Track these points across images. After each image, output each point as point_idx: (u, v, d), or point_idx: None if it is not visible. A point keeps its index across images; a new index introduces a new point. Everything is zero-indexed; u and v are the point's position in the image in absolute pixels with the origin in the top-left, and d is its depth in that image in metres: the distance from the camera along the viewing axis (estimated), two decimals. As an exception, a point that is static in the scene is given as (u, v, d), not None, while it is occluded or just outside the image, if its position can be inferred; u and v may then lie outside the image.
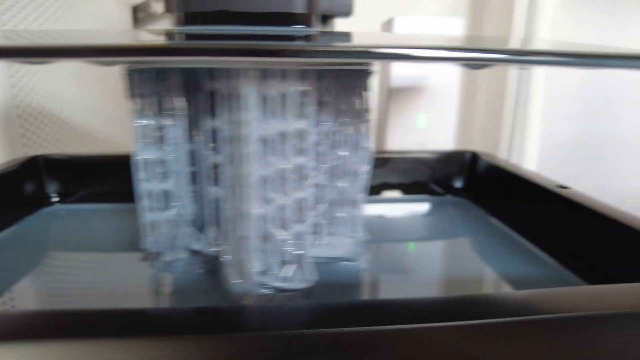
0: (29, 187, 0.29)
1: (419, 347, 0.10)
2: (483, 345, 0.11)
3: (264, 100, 0.14)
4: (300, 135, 0.15)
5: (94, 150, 0.44)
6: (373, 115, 0.20)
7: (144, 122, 0.16)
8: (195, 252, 0.19)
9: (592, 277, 0.20)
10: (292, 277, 0.15)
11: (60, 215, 0.29)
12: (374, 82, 0.20)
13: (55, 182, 0.30)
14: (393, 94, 0.34)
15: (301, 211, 0.16)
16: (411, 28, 0.32)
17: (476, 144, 0.60)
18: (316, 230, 0.18)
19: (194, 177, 0.19)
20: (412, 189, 0.32)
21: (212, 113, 0.16)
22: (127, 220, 0.26)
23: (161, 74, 0.17)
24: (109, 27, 0.49)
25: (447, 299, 0.12)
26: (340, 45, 0.12)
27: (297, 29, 0.18)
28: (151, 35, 0.19)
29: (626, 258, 0.18)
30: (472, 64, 0.14)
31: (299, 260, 0.16)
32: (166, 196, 0.18)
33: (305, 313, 0.11)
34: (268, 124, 0.14)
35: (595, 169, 0.62)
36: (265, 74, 0.13)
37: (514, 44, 0.20)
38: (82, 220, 0.28)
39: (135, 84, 0.16)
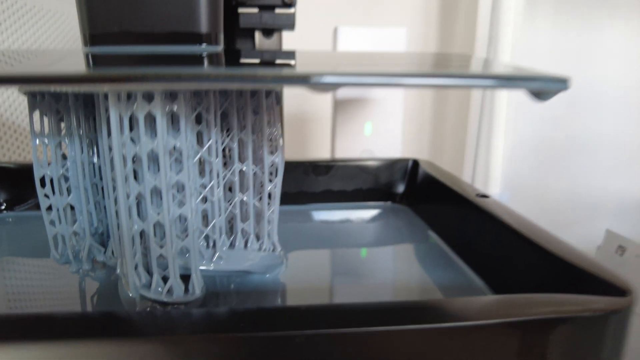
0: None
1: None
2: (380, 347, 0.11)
3: (132, 119, 0.14)
4: (179, 152, 0.15)
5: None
6: (279, 130, 0.20)
7: (39, 140, 0.17)
8: (101, 263, 0.19)
9: (496, 283, 0.20)
10: (175, 291, 0.16)
11: (8, 222, 0.30)
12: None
13: (4, 190, 0.31)
14: (340, 104, 0.34)
15: (185, 227, 0.16)
16: (355, 38, 0.32)
17: (446, 148, 0.60)
18: (212, 245, 0.19)
19: (102, 191, 0.19)
20: (354, 196, 0.32)
21: (100, 130, 0.17)
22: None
23: (59, 95, 0.17)
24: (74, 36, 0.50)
25: (344, 305, 0.12)
26: (188, 71, 0.13)
27: (201, 48, 0.19)
28: (52, 57, 0.19)
29: (525, 266, 0.19)
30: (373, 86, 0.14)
31: (182, 274, 0.16)
32: (71, 210, 0.18)
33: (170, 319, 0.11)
34: (137, 143, 0.14)
35: (564, 170, 0.62)
36: (130, 95, 0.14)
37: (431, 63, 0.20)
38: (28, 227, 0.28)
39: (32, 103, 0.17)
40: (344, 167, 0.32)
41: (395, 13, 0.55)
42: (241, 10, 0.28)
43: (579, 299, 0.12)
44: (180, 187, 0.16)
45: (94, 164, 0.19)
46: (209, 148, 0.17)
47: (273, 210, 0.21)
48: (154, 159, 0.15)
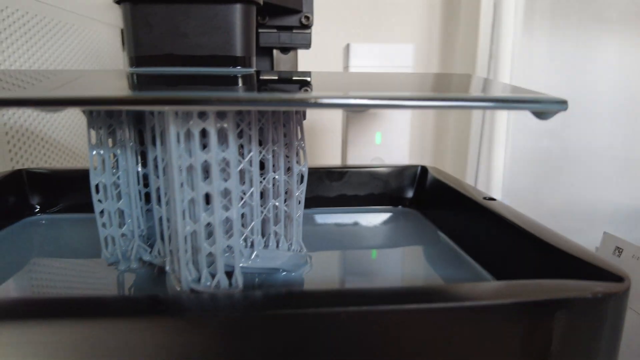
0: (12, 198, 0.32)
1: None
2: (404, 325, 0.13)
3: (188, 135, 0.16)
4: (226, 163, 0.18)
5: (74, 165, 0.47)
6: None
7: (95, 151, 0.19)
8: (147, 263, 0.22)
9: (505, 278, 0.22)
10: (221, 284, 0.18)
11: (42, 224, 0.32)
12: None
13: (37, 194, 0.33)
14: (352, 116, 0.37)
15: (230, 228, 0.18)
16: (365, 53, 0.35)
17: (448, 159, 0.63)
18: (250, 245, 0.21)
19: (148, 198, 0.21)
20: (366, 200, 0.34)
21: (154, 143, 0.19)
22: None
23: (112, 111, 0.19)
24: (99, 50, 0.52)
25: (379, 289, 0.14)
26: (249, 96, 0.15)
27: (236, 70, 0.21)
28: (117, 77, 0.21)
29: (532, 261, 0.21)
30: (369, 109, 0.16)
31: (230, 269, 0.18)
32: (121, 214, 0.21)
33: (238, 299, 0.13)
34: (193, 155, 0.16)
35: (561, 180, 0.64)
36: (188, 114, 0.16)
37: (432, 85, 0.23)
38: (61, 228, 0.30)
39: (90, 119, 0.19)
40: (357, 173, 0.35)
41: (402, 30, 0.57)
42: (261, 30, 0.31)
43: (582, 284, 0.14)
44: (227, 193, 0.18)
45: (138, 173, 0.21)
46: (250, 159, 0.19)
47: (299, 214, 0.23)
48: (205, 168, 0.17)
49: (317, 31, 0.35)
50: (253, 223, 0.20)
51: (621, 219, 0.66)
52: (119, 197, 0.20)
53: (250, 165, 0.19)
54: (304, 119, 0.23)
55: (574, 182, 0.66)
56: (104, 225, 0.20)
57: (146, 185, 0.21)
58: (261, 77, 0.22)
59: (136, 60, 0.21)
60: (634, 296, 0.37)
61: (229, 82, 0.20)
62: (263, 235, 0.22)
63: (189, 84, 0.20)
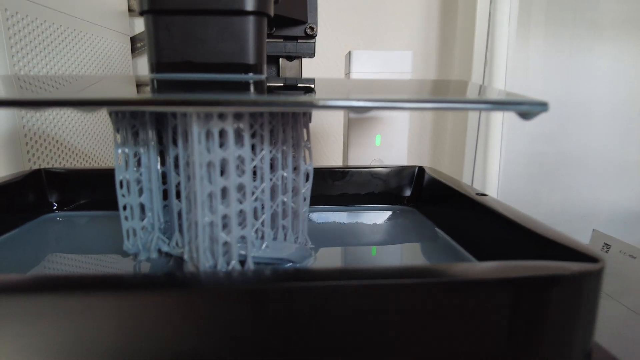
0: (32, 196, 0.34)
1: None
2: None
3: (208, 134, 0.18)
4: (241, 160, 0.20)
5: (86, 165, 0.49)
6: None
7: (120, 150, 0.21)
8: (165, 253, 0.23)
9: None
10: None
11: (58, 220, 0.33)
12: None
13: (55, 192, 0.35)
14: (353, 120, 0.38)
15: (244, 220, 0.20)
16: (366, 60, 0.37)
17: (445, 161, 0.64)
18: (261, 236, 0.23)
19: (165, 193, 0.23)
20: (367, 199, 0.36)
21: (175, 143, 0.21)
22: (113, 225, 0.30)
23: (136, 113, 0.21)
24: (110, 57, 0.54)
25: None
26: (264, 98, 0.17)
27: (248, 77, 0.23)
28: (129, 82, 0.23)
29: (521, 249, 0.22)
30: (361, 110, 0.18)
31: (242, 259, 0.20)
32: (141, 208, 0.22)
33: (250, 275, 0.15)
34: (212, 152, 0.18)
35: (556, 183, 0.66)
36: (208, 115, 0.18)
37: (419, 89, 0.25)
38: (77, 225, 0.32)
39: (116, 120, 0.21)
40: (358, 173, 0.36)
41: (401, 38, 0.59)
42: (268, 40, 0.33)
43: (562, 264, 0.16)
44: (241, 188, 0.20)
45: (158, 170, 0.23)
46: (262, 157, 0.21)
47: (305, 210, 0.25)
48: (222, 165, 0.19)
49: (320, 39, 0.37)
50: (264, 216, 0.22)
51: (616, 219, 0.68)
52: (141, 192, 0.22)
53: (262, 163, 0.21)
54: (310, 121, 0.25)
55: (569, 184, 0.68)
56: (126, 218, 0.22)
57: (164, 182, 0.23)
58: (271, 83, 0.24)
59: (157, 66, 0.23)
60: (623, 291, 0.39)
61: (242, 87, 0.22)
62: (272, 228, 0.23)
63: (206, 89, 0.22)
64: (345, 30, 0.58)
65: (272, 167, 0.22)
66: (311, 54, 0.34)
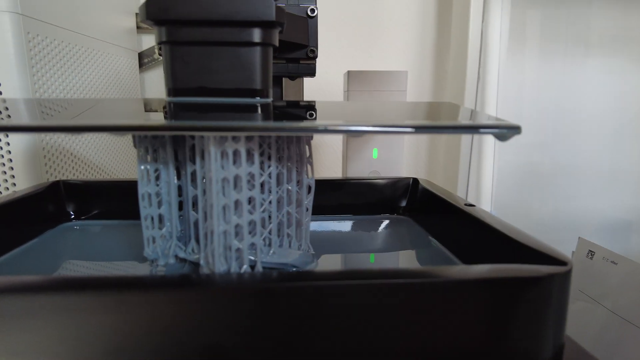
0: (51, 206, 0.36)
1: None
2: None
3: (222, 153, 0.21)
4: (252, 176, 0.22)
5: (100, 177, 0.51)
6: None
7: (143, 166, 0.24)
8: (181, 259, 0.26)
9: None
10: (246, 275, 0.22)
11: (76, 229, 0.36)
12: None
13: (72, 202, 0.38)
14: (351, 135, 0.41)
15: (254, 229, 0.23)
16: (364, 79, 0.39)
17: (439, 172, 0.67)
18: (268, 244, 0.25)
19: (181, 205, 0.26)
20: (364, 209, 0.39)
21: (192, 160, 0.23)
22: (128, 233, 0.33)
23: (156, 135, 0.24)
24: (120, 72, 0.57)
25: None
26: (274, 124, 0.20)
27: (255, 100, 0.25)
28: (152, 105, 0.26)
29: (504, 254, 0.25)
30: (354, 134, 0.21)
31: (252, 264, 0.23)
32: (160, 218, 0.25)
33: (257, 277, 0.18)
34: (226, 169, 0.21)
35: (548, 192, 0.69)
36: (224, 137, 0.20)
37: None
38: (92, 233, 0.35)
39: (138, 139, 0.24)
40: (356, 184, 0.39)
41: (397, 58, 0.62)
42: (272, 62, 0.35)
43: (535, 267, 0.19)
44: (251, 201, 0.22)
45: (175, 184, 0.25)
46: (269, 173, 0.23)
47: (308, 219, 0.27)
48: (235, 180, 0.21)
49: (319, 59, 0.40)
50: (271, 225, 0.24)
51: (604, 228, 0.70)
52: (160, 204, 0.25)
53: (270, 178, 0.24)
54: (312, 138, 0.27)
55: (560, 193, 0.71)
56: (147, 227, 0.25)
57: (180, 194, 0.26)
58: (276, 106, 0.27)
59: (174, 91, 0.26)
60: (605, 294, 0.41)
61: (250, 110, 0.25)
62: (278, 236, 0.26)
63: (219, 112, 0.24)
64: (343, 50, 0.61)
65: (278, 181, 0.25)
66: (312, 74, 0.37)
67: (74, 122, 0.19)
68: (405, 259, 0.32)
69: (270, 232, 0.25)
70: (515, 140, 0.69)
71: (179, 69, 0.25)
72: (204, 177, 0.22)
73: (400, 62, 0.63)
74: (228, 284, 0.17)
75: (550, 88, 0.67)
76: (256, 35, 0.24)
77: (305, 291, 0.17)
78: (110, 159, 0.55)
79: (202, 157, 0.22)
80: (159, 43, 0.25)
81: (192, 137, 0.23)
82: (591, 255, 0.42)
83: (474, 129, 0.19)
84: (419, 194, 0.38)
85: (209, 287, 0.17)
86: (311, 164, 0.27)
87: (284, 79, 0.38)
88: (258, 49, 0.25)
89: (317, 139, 0.64)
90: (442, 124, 0.19)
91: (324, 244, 0.33)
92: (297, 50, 0.35)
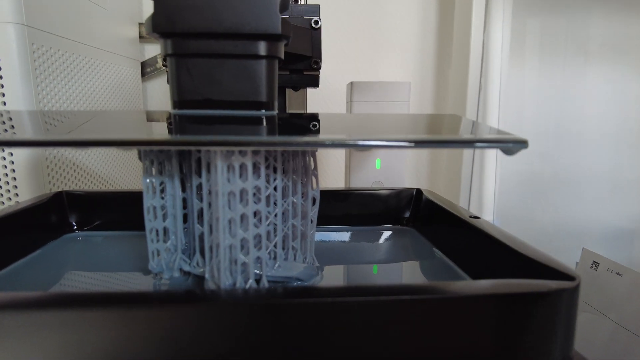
0: (54, 217, 0.36)
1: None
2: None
3: (229, 167, 0.21)
4: (258, 189, 0.22)
5: (102, 188, 0.51)
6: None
7: (149, 179, 0.23)
8: (186, 272, 0.26)
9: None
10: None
11: (78, 240, 0.36)
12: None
13: (75, 213, 0.37)
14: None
15: (259, 242, 0.23)
16: (367, 90, 0.39)
17: (442, 182, 0.67)
18: (273, 257, 0.25)
19: (186, 218, 0.26)
20: (368, 219, 0.39)
21: (198, 173, 0.23)
22: (131, 245, 0.33)
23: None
24: (123, 82, 0.57)
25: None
26: (277, 139, 0.19)
27: (260, 113, 0.25)
28: (156, 118, 0.26)
29: (510, 268, 0.25)
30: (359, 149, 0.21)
31: (257, 277, 0.22)
32: (165, 231, 0.25)
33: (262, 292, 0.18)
34: (232, 183, 0.21)
35: (550, 202, 0.69)
36: (230, 151, 0.20)
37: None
38: (95, 244, 0.35)
39: (143, 152, 0.24)
40: (360, 195, 0.39)
41: (399, 68, 0.63)
42: (277, 74, 0.35)
43: (543, 282, 0.19)
44: (258, 214, 0.22)
45: (181, 197, 0.25)
46: (275, 186, 0.23)
47: (313, 232, 0.27)
48: (242, 193, 0.21)
49: (322, 70, 0.40)
50: (276, 239, 0.24)
51: (607, 237, 0.70)
52: (165, 217, 0.24)
53: (275, 190, 0.23)
54: (316, 151, 0.27)
55: (562, 202, 0.71)
56: (152, 240, 0.25)
57: (184, 207, 0.26)
58: (281, 118, 0.27)
59: (179, 103, 0.26)
60: (610, 306, 0.41)
61: (256, 122, 0.25)
62: (283, 249, 0.26)
63: (225, 124, 0.24)
64: (346, 61, 0.61)
65: (284, 193, 0.25)
66: (315, 85, 0.37)
67: (81, 136, 0.19)
68: (410, 271, 0.32)
69: (275, 246, 0.24)
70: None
71: (184, 81, 0.25)
72: (209, 190, 0.22)
73: (402, 73, 0.63)
74: (236, 299, 0.17)
75: (551, 97, 0.67)
76: (262, 48, 0.24)
77: (313, 307, 0.17)
78: (112, 169, 0.55)
79: (208, 170, 0.22)
80: (165, 55, 0.26)
81: (198, 150, 0.23)
82: (595, 266, 0.42)
83: (480, 143, 0.19)
84: (423, 205, 0.38)
85: (214, 303, 0.17)
86: (316, 176, 0.27)
87: (287, 89, 0.38)
88: (264, 61, 0.25)
89: (321, 150, 0.64)
90: (448, 138, 0.19)
91: (328, 255, 0.33)
92: (301, 61, 0.35)
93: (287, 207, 0.25)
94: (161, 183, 0.24)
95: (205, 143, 0.18)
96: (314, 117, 0.28)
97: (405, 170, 0.43)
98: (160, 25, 0.24)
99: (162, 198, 0.24)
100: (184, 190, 0.25)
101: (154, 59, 0.65)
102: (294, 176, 0.25)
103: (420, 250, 0.34)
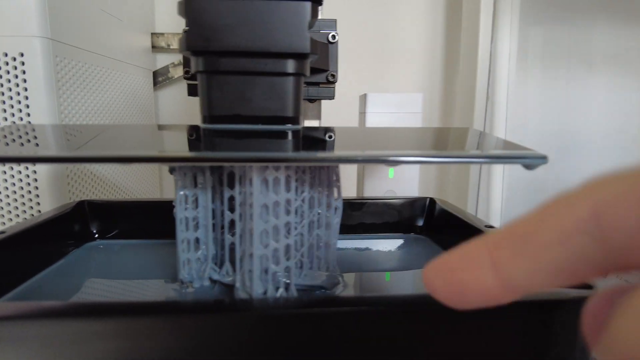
0: (77, 226, 0.37)
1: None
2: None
3: (263, 181, 0.22)
4: (288, 202, 0.23)
5: (120, 198, 0.52)
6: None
7: (182, 192, 0.25)
8: (215, 281, 0.27)
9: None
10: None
11: (100, 248, 0.37)
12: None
13: (97, 222, 0.38)
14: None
15: (289, 252, 0.24)
16: (381, 102, 0.41)
17: (450, 190, 0.68)
18: (300, 266, 0.26)
19: (216, 228, 0.27)
20: (382, 228, 0.40)
21: (229, 186, 0.24)
22: (152, 252, 0.34)
23: (195, 159, 0.25)
24: (136, 91, 0.58)
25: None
26: (307, 155, 0.21)
27: (287, 127, 0.26)
28: (183, 133, 0.27)
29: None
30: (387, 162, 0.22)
31: (287, 286, 0.23)
32: (196, 242, 0.26)
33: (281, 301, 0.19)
34: (266, 195, 0.22)
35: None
36: (264, 165, 0.21)
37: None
38: (116, 252, 0.36)
39: (179, 167, 0.25)
40: (374, 204, 0.40)
41: (407, 81, 0.64)
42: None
43: (562, 290, 0.20)
44: (287, 225, 0.23)
45: (215, 209, 0.26)
46: (303, 198, 0.24)
47: (335, 241, 0.28)
48: (274, 206, 0.22)
49: (339, 82, 0.41)
50: (303, 248, 0.25)
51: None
52: (196, 227, 0.26)
53: (303, 202, 0.25)
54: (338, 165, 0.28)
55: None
56: (183, 250, 0.25)
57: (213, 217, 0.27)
58: (306, 133, 0.28)
59: (209, 118, 0.27)
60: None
61: (284, 137, 0.26)
62: (308, 257, 0.27)
63: (254, 139, 0.25)
64: (358, 73, 0.63)
65: (310, 205, 0.26)
66: (331, 97, 0.38)
67: (119, 153, 0.20)
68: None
69: (302, 255, 0.25)
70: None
71: (215, 97, 0.26)
72: (241, 202, 0.23)
73: (411, 83, 0.65)
74: (267, 308, 0.18)
75: (555, 106, 0.68)
76: (291, 66, 0.25)
77: (336, 317, 0.18)
78: (129, 180, 0.56)
79: (241, 183, 0.23)
80: (196, 72, 0.27)
81: (232, 165, 0.24)
82: (603, 273, 0.43)
83: (503, 159, 0.20)
84: (436, 214, 0.39)
85: (249, 312, 0.18)
86: (339, 188, 0.28)
87: (303, 101, 0.39)
88: (292, 78, 0.26)
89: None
90: (472, 154, 0.20)
91: (345, 262, 0.34)
92: (317, 74, 0.36)
93: (313, 217, 0.26)
94: (193, 195, 0.25)
95: (244, 160, 0.19)
96: (334, 131, 0.29)
97: (416, 178, 0.44)
98: (194, 44, 0.25)
99: (195, 210, 0.25)
100: (213, 201, 0.26)
101: (166, 68, 0.67)
102: (320, 188, 0.26)
103: (433, 258, 0.35)
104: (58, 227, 0.35)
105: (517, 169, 0.69)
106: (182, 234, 0.25)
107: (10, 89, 0.38)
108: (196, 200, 0.25)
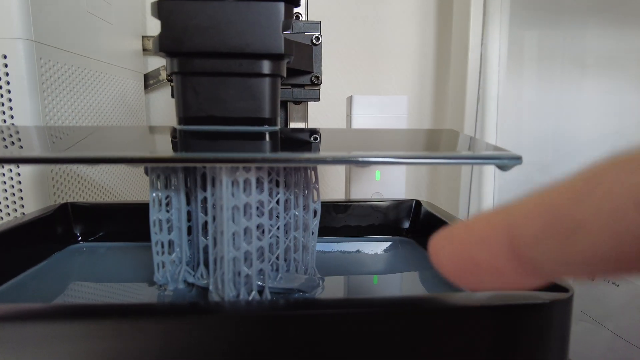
0: (59, 228, 0.37)
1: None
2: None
3: (234, 182, 0.21)
4: (261, 203, 0.23)
5: (106, 200, 0.52)
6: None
7: (155, 193, 0.24)
8: (190, 284, 0.26)
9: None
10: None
11: (83, 251, 0.36)
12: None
13: (80, 224, 0.38)
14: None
15: (262, 254, 0.23)
16: (366, 104, 0.40)
17: (441, 193, 0.68)
18: (276, 269, 0.26)
19: (189, 230, 0.26)
20: (368, 230, 0.39)
21: (203, 187, 0.24)
22: (135, 255, 0.33)
23: (169, 161, 0.25)
24: (126, 94, 0.58)
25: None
26: (276, 156, 0.20)
27: (263, 128, 0.26)
28: (162, 135, 0.27)
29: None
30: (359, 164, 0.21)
31: (259, 289, 0.23)
32: (170, 244, 0.25)
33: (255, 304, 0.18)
34: (237, 197, 0.21)
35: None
36: (234, 167, 0.21)
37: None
38: (100, 255, 0.35)
39: (152, 169, 0.24)
40: (359, 206, 0.39)
41: (398, 83, 0.64)
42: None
43: (537, 293, 0.19)
44: (261, 227, 0.23)
45: (189, 211, 0.26)
46: (277, 199, 0.24)
47: (314, 244, 0.28)
48: (245, 207, 0.22)
49: (323, 84, 0.41)
50: (278, 251, 0.25)
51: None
52: (170, 230, 0.25)
53: (278, 204, 0.24)
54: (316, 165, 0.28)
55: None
56: (157, 253, 0.25)
57: (188, 219, 0.26)
58: (283, 134, 0.27)
59: (184, 119, 0.26)
60: (607, 316, 0.42)
61: (259, 138, 0.25)
62: (285, 260, 0.26)
63: (229, 140, 0.25)
64: (346, 75, 0.63)
65: (286, 207, 0.26)
66: (316, 99, 0.38)
67: (89, 154, 0.20)
68: (410, 282, 0.32)
69: (277, 258, 0.25)
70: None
71: (190, 98, 0.26)
72: (214, 204, 0.23)
73: (401, 86, 0.65)
74: (240, 311, 0.18)
75: (548, 108, 0.68)
76: (266, 67, 0.25)
77: (316, 319, 0.18)
78: (115, 181, 0.56)
79: (213, 185, 0.23)
80: (171, 73, 0.26)
81: (204, 166, 0.24)
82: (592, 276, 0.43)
83: (477, 159, 0.20)
84: (422, 216, 0.39)
85: (218, 315, 0.17)
86: (317, 190, 0.27)
87: (288, 103, 0.39)
88: (267, 79, 0.26)
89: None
90: (446, 155, 0.20)
91: (328, 265, 0.34)
92: (302, 76, 0.36)
93: (289, 220, 0.26)
94: (167, 197, 0.25)
95: (212, 160, 0.19)
96: (315, 132, 0.29)
97: (405, 181, 0.44)
98: (167, 45, 0.24)
99: (168, 211, 0.25)
100: (188, 203, 0.26)
101: (157, 71, 0.67)
102: (296, 190, 0.26)
103: (419, 260, 0.35)
104: (40, 229, 0.35)
105: (511, 171, 0.69)
106: (156, 236, 0.25)
107: (-8, 91, 0.38)
108: (170, 202, 0.25)
